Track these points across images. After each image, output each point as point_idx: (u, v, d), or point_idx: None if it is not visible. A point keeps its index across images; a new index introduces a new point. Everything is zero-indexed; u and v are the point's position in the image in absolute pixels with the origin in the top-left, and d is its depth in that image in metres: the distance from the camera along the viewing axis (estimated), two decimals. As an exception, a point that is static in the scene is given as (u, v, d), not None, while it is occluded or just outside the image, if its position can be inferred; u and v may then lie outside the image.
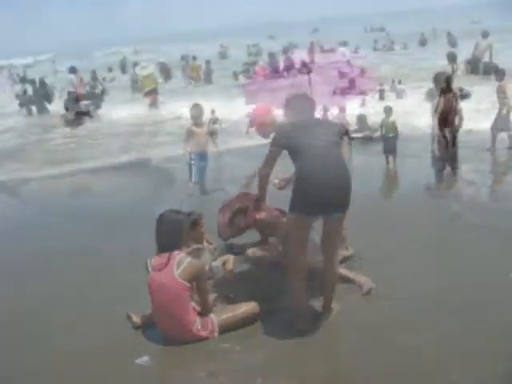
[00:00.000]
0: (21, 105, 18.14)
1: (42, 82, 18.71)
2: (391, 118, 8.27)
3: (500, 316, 4.03)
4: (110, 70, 28.07)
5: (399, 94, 14.34)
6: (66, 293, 4.92)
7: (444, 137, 7.13)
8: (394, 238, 5.55)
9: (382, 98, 14.05)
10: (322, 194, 3.75)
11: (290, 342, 3.89)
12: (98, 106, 16.40)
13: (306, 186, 3.79)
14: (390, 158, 8.33)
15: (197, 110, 7.65)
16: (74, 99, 15.88)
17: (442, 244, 5.42)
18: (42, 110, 17.93)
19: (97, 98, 16.83)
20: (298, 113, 4.12)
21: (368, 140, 10.06)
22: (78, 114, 15.49)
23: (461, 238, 5.52)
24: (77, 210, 7.70)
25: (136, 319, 4.20)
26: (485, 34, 16.17)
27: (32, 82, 19.26)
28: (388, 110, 8.31)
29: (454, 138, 7.26)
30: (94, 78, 21.13)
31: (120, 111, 16.14)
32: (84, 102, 15.93)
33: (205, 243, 4.72)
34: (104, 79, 25.81)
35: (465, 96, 11.46)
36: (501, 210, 6.36)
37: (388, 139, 8.28)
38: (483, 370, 3.45)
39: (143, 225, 5.82)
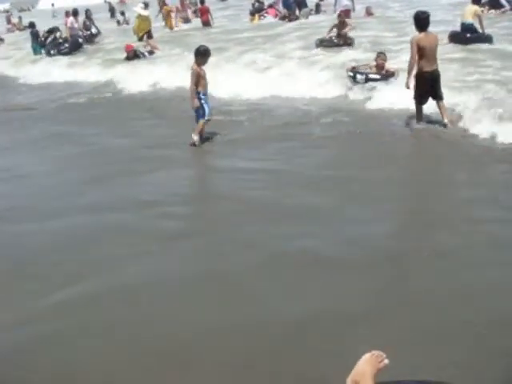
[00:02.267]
0: None
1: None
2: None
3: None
4: (122, 12, 26.91)
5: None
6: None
7: (425, 72, 7.09)
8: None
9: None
10: None
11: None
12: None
13: None
14: None
15: (205, 50, 7.74)
16: (58, 43, 17.70)
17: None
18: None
19: (77, 45, 17.73)
20: None
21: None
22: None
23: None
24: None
25: None
26: None
27: (31, 25, 19.02)
28: None
29: (437, 77, 7.20)
30: (89, 17, 19.57)
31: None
32: (65, 45, 17.44)
33: None
34: (118, 22, 24.90)
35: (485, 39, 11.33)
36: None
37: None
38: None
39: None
